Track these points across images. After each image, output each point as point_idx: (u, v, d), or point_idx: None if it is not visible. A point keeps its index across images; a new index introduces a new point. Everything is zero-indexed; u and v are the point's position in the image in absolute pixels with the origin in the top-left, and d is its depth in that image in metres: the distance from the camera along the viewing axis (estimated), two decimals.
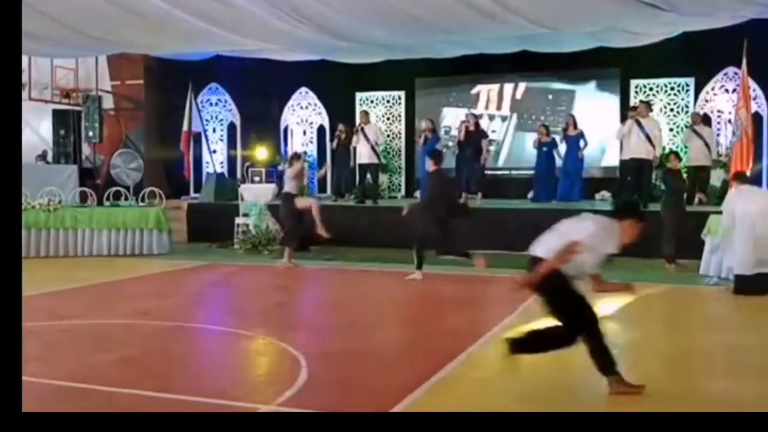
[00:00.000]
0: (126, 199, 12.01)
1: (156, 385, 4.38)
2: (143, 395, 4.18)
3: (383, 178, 14.39)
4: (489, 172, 13.55)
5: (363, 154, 12.87)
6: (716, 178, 11.80)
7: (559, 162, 12.46)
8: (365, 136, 12.85)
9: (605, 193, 13.00)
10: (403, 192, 14.74)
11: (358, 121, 13.74)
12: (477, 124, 12.32)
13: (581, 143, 12.27)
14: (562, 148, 12.51)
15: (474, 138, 12.11)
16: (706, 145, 11.50)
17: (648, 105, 11.72)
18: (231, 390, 4.38)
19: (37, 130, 15.59)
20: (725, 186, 10.82)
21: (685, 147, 12.49)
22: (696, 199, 11.08)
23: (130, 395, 4.17)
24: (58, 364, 4.92)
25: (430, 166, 8.71)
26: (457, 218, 8.53)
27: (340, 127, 13.52)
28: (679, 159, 9.61)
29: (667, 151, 11.88)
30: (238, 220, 12.03)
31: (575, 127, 12.31)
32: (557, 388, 4.45)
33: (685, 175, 12.39)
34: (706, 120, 11.95)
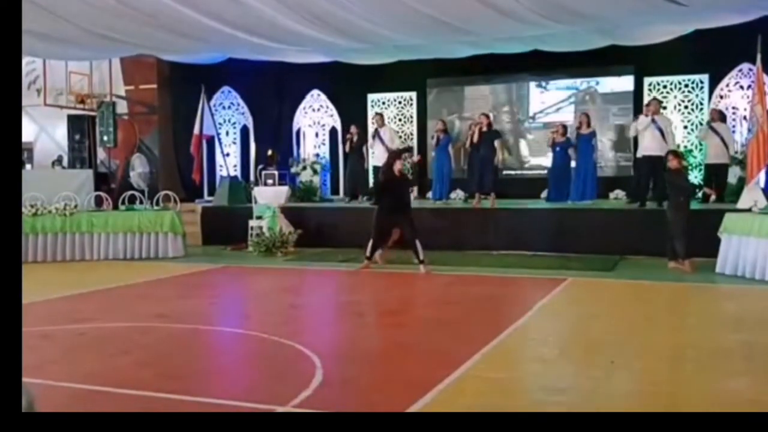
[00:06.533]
0: (141, 203, 12.09)
1: (173, 387, 4.41)
2: (161, 397, 4.21)
3: None
4: (504, 172, 13.56)
5: (378, 156, 12.90)
6: (732, 175, 11.70)
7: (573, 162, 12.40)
8: (380, 138, 12.94)
9: (619, 192, 12.93)
10: (415, 193, 14.72)
11: (371, 123, 13.82)
12: (490, 124, 12.28)
13: (593, 142, 12.20)
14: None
15: (488, 138, 12.07)
16: (724, 142, 11.41)
17: (659, 101, 11.65)
18: (247, 391, 4.40)
19: (52, 135, 15.75)
20: (741, 183, 10.72)
21: (701, 144, 12.41)
22: (702, 195, 10.98)
23: (147, 397, 4.21)
24: (76, 367, 4.97)
25: None
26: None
27: (353, 129, 13.56)
28: (681, 157, 9.56)
29: (681, 148, 11.82)
30: (252, 223, 12.08)
31: (588, 125, 12.22)
32: (571, 388, 4.43)
33: (699, 174, 12.33)
34: (722, 117, 11.86)
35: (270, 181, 13.59)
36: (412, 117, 14.90)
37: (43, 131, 15.80)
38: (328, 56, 12.74)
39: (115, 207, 12.15)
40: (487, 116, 12.45)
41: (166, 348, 5.65)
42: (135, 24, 9.09)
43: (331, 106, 15.38)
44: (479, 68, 13.46)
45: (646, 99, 12.67)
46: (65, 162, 15.19)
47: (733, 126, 12.28)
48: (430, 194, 13.33)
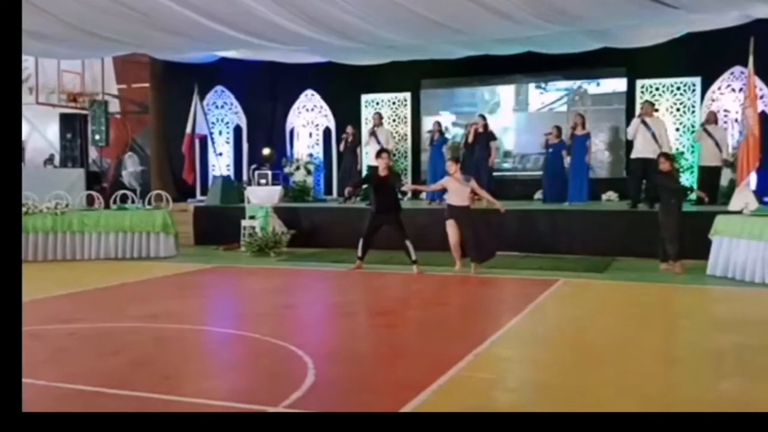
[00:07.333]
0: (133, 202, 12.05)
1: (164, 388, 4.39)
2: (151, 397, 4.19)
3: None
4: (495, 174, 13.55)
5: (372, 155, 12.91)
6: (724, 177, 11.75)
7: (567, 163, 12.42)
8: (377, 138, 12.97)
9: (611, 194, 12.96)
10: (409, 194, 14.72)
11: (370, 122, 13.84)
12: (486, 126, 12.31)
13: (587, 143, 12.21)
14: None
15: (483, 140, 12.10)
16: (717, 145, 11.46)
17: (652, 104, 11.70)
18: (238, 392, 4.39)
19: (44, 134, 15.70)
20: (732, 185, 10.77)
21: (692, 147, 12.46)
22: (696, 197, 10.97)
23: (138, 398, 4.19)
24: (66, 368, 4.94)
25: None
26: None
27: (348, 129, 13.57)
28: (672, 160, 9.59)
29: (672, 150, 11.85)
30: (245, 223, 12.06)
31: (583, 126, 12.25)
32: (562, 388, 4.44)
33: (692, 176, 12.36)
34: (716, 119, 11.92)
35: (263, 181, 13.58)
36: (406, 118, 14.90)
37: (35, 130, 15.74)
38: (322, 56, 12.74)
39: (107, 206, 12.09)
40: (484, 117, 12.49)
41: (157, 348, 5.62)
42: (128, 22, 9.07)
43: (325, 106, 15.36)
44: (473, 69, 13.49)
45: (638, 101, 12.72)
46: (57, 161, 15.14)
47: (725, 128, 12.33)
48: (424, 195, 13.33)
